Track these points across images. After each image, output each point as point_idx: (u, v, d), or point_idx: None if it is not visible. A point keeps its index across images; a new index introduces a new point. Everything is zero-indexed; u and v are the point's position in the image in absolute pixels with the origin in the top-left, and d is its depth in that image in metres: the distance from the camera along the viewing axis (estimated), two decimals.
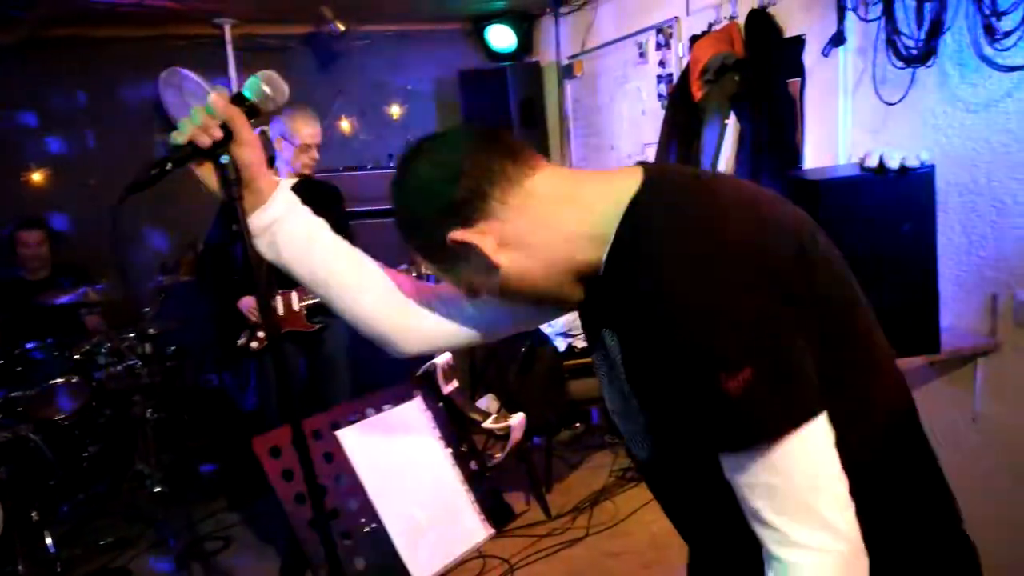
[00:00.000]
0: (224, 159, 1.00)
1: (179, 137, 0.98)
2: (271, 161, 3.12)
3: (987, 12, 2.21)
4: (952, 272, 2.46)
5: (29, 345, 3.58)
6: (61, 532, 3.32)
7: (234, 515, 3.69)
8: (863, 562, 0.82)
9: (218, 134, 0.98)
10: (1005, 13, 2.17)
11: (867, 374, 0.91)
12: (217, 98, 0.99)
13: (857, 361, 0.90)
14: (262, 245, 1.07)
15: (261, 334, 3.06)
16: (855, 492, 0.82)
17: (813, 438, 0.80)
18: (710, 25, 3.51)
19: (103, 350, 3.62)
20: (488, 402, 3.80)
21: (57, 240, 4.22)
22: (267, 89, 1.03)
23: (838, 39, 2.80)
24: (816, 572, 0.79)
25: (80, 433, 3.49)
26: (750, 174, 3.14)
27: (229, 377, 4.19)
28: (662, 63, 4.06)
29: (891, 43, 2.55)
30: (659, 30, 4.04)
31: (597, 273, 0.92)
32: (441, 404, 1.44)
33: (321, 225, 1.12)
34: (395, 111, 5.26)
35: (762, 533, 0.83)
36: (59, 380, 3.47)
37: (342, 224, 3.04)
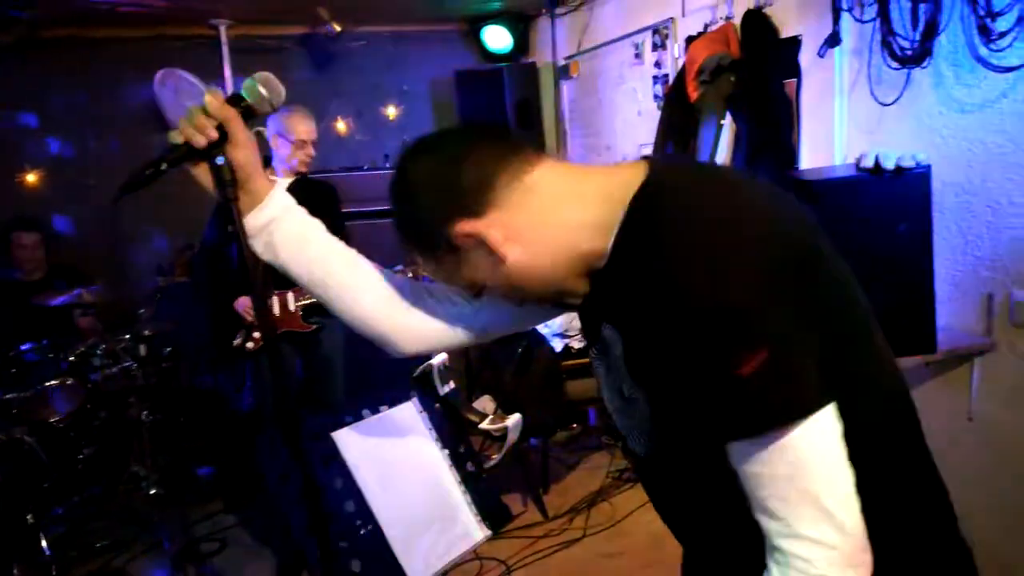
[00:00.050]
0: (220, 160, 0.99)
1: (176, 137, 0.98)
2: (267, 161, 3.11)
3: (982, 13, 2.22)
4: (948, 272, 2.47)
5: (24, 347, 3.55)
6: (56, 535, 3.30)
7: (230, 517, 3.68)
8: (866, 558, 0.81)
9: (213, 135, 0.98)
10: (1000, 14, 2.17)
11: (868, 373, 0.91)
12: (213, 98, 0.99)
13: (858, 361, 0.90)
14: (258, 246, 1.07)
15: (257, 335, 3.06)
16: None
17: (823, 428, 0.79)
18: (706, 26, 3.52)
19: (98, 352, 3.60)
20: (485, 403, 3.79)
21: (55, 241, 4.20)
22: (263, 91, 1.02)
23: (834, 40, 2.80)
24: (817, 565, 0.79)
25: (75, 435, 3.47)
26: None
27: (224, 378, 4.17)
28: (658, 64, 4.07)
29: (886, 44, 2.56)
30: (655, 31, 4.05)
31: (602, 263, 0.92)
32: (438, 405, 1.44)
33: (317, 225, 1.12)
34: (391, 112, 5.26)
35: (766, 523, 0.82)
36: (54, 382, 3.44)
37: (338, 224, 3.04)
